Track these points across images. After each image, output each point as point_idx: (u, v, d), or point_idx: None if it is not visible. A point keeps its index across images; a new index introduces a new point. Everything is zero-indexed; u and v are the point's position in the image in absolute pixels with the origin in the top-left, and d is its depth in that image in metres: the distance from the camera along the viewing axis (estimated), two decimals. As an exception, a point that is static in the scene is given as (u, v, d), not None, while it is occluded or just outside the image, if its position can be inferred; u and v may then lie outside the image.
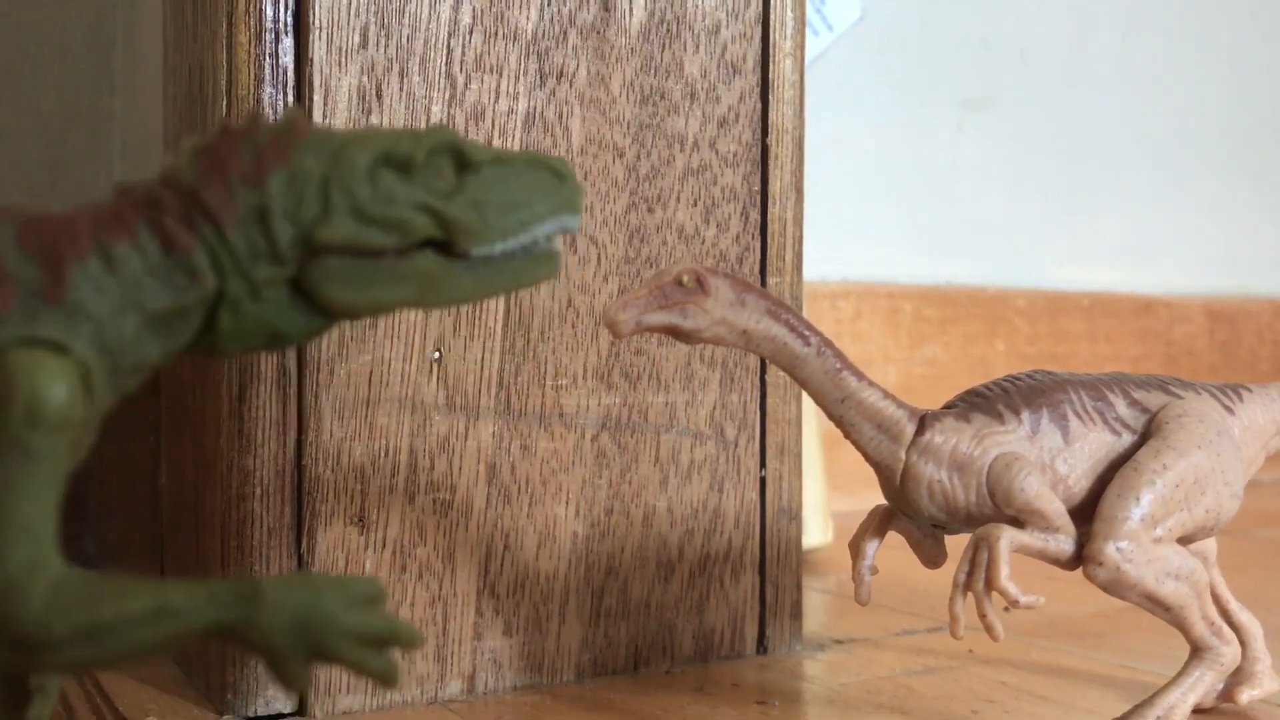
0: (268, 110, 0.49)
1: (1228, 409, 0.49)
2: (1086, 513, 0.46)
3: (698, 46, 0.57)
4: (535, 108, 0.53)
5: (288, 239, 0.31)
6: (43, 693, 0.34)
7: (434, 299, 0.33)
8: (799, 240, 0.60)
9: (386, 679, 0.30)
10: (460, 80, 0.52)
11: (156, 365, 0.32)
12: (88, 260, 0.30)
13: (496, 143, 0.52)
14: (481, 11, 0.52)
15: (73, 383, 0.28)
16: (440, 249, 0.33)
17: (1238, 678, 0.51)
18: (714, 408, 0.57)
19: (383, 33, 0.50)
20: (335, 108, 0.49)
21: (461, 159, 0.33)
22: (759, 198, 0.59)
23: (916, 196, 1.17)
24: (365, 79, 0.50)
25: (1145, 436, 0.47)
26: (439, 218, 0.32)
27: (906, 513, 0.48)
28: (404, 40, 0.51)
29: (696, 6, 0.57)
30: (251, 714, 0.49)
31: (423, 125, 0.51)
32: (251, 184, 0.31)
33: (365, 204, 0.32)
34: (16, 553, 0.27)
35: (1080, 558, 0.45)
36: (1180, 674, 0.47)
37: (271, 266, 0.31)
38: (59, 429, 0.28)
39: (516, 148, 0.53)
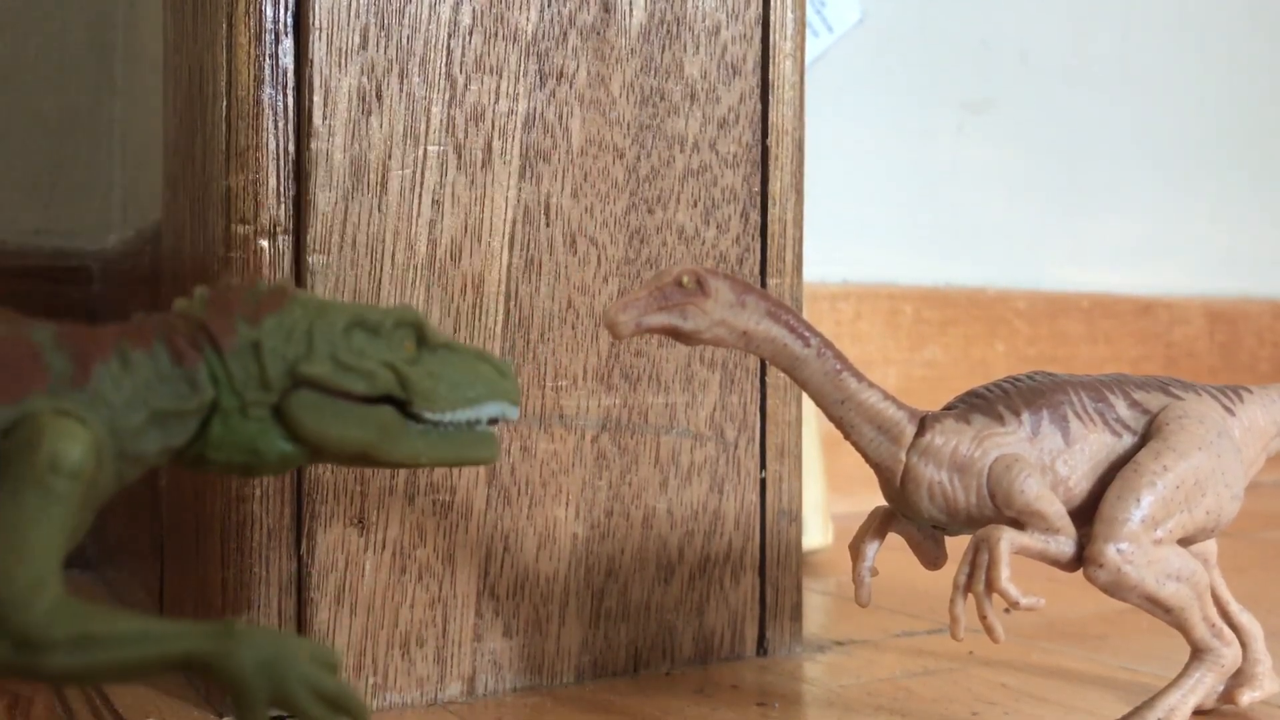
0: (268, 111, 0.49)
1: (1228, 410, 0.49)
2: (1087, 514, 0.46)
3: (698, 47, 0.57)
4: (535, 108, 0.53)
5: (277, 370, 0.37)
6: None
7: (388, 449, 0.38)
8: (799, 241, 0.60)
9: None
10: (460, 81, 0.52)
11: (153, 463, 0.37)
12: (110, 360, 0.36)
13: (496, 144, 0.52)
14: (481, 12, 0.52)
15: (90, 445, 0.34)
16: (398, 408, 0.38)
17: (1238, 679, 0.51)
18: (714, 409, 0.57)
19: (383, 33, 0.50)
20: (335, 108, 0.49)
21: (421, 335, 0.39)
22: (759, 199, 0.58)
23: (916, 198, 1.17)
24: (365, 80, 0.50)
25: (1146, 438, 0.47)
26: (400, 377, 0.38)
27: (906, 514, 0.48)
28: (404, 41, 0.51)
29: (697, 8, 0.57)
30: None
31: (423, 131, 0.51)
32: (250, 322, 0.37)
33: (341, 352, 0.37)
34: (26, 569, 0.32)
35: (1081, 559, 0.45)
36: (1181, 676, 0.47)
37: (260, 390, 0.37)
38: (74, 478, 0.33)
39: (517, 148, 0.53)
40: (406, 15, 0.51)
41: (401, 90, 0.51)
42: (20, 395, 0.34)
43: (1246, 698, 0.50)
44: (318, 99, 0.49)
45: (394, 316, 0.39)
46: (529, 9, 0.53)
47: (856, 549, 0.49)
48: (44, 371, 0.35)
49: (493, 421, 0.40)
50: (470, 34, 0.52)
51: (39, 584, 0.32)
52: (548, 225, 0.54)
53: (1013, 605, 0.44)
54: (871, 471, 0.48)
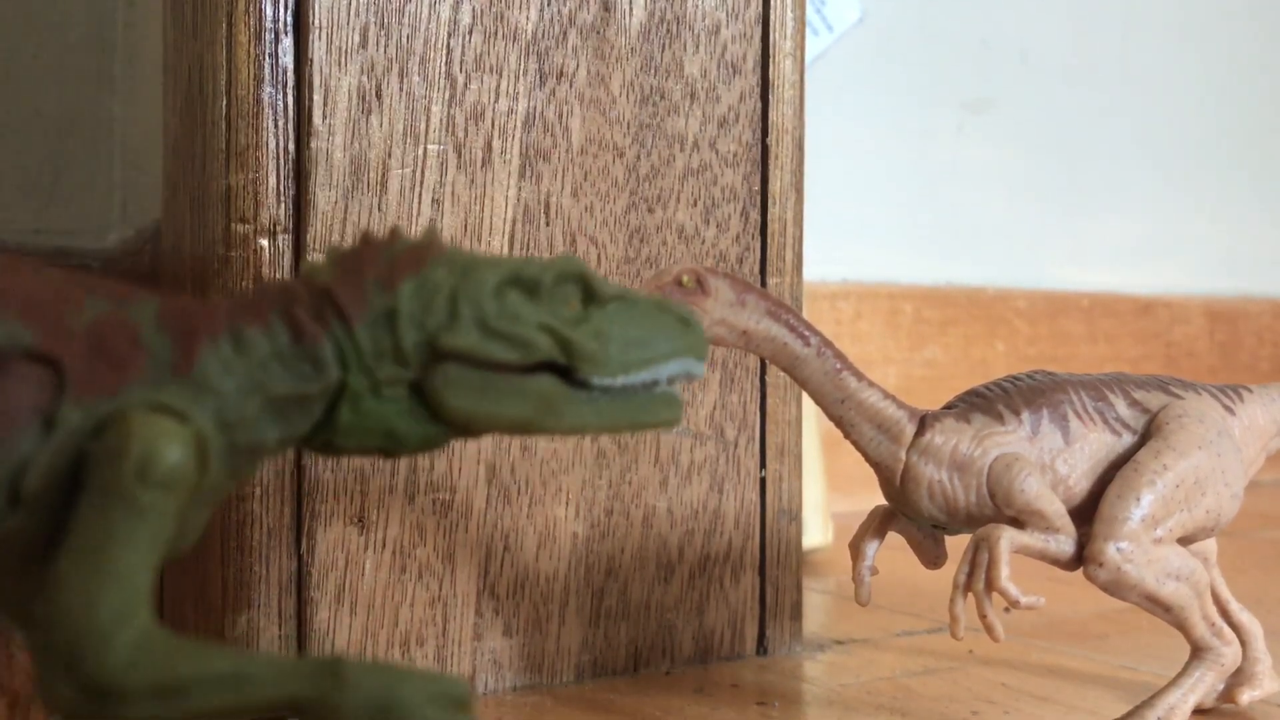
0: (267, 110, 0.49)
1: (1228, 409, 0.49)
2: (1087, 513, 0.46)
3: (698, 46, 0.57)
4: (535, 108, 0.53)
5: (413, 342, 0.32)
6: None
7: (551, 423, 0.33)
8: (799, 241, 0.60)
9: None
10: (460, 80, 0.52)
11: (273, 452, 0.33)
12: (220, 340, 0.31)
13: (496, 143, 0.52)
14: (481, 11, 0.52)
15: (187, 447, 0.29)
16: (561, 375, 0.33)
17: (1238, 678, 0.51)
18: (714, 408, 0.57)
19: (382, 32, 0.50)
20: (335, 107, 0.49)
21: (588, 291, 0.34)
22: (759, 198, 0.58)
23: (917, 197, 1.17)
24: (365, 79, 0.50)
25: (1145, 437, 0.47)
26: (561, 340, 0.33)
27: (906, 513, 0.48)
28: (404, 40, 0.51)
29: (696, 6, 0.57)
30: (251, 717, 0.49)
31: (423, 130, 0.51)
32: (384, 287, 0.32)
33: (490, 318, 0.33)
34: (108, 600, 0.28)
35: (1080, 558, 0.45)
36: (1181, 675, 0.47)
37: (395, 367, 0.32)
38: (167, 488, 0.29)
39: (517, 148, 0.53)
40: (406, 14, 0.51)
41: (401, 89, 0.51)
42: (115, 387, 0.30)
43: (1246, 696, 0.50)
44: (318, 98, 0.49)
45: (555, 271, 0.34)
46: (529, 8, 0.53)
47: (856, 548, 0.49)
48: (142, 357, 0.30)
49: (673, 380, 0.35)
50: (470, 33, 0.52)
51: (123, 618, 0.28)
52: (548, 224, 0.54)
53: (1013, 604, 0.44)
54: (871, 471, 0.48)
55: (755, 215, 0.58)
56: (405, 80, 0.51)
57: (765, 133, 0.59)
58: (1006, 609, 0.58)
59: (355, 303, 0.32)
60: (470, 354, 0.32)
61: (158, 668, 0.28)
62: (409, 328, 0.32)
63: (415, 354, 0.32)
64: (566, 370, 0.33)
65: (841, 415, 0.47)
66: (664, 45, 0.56)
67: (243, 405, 0.31)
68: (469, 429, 0.33)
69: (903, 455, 0.46)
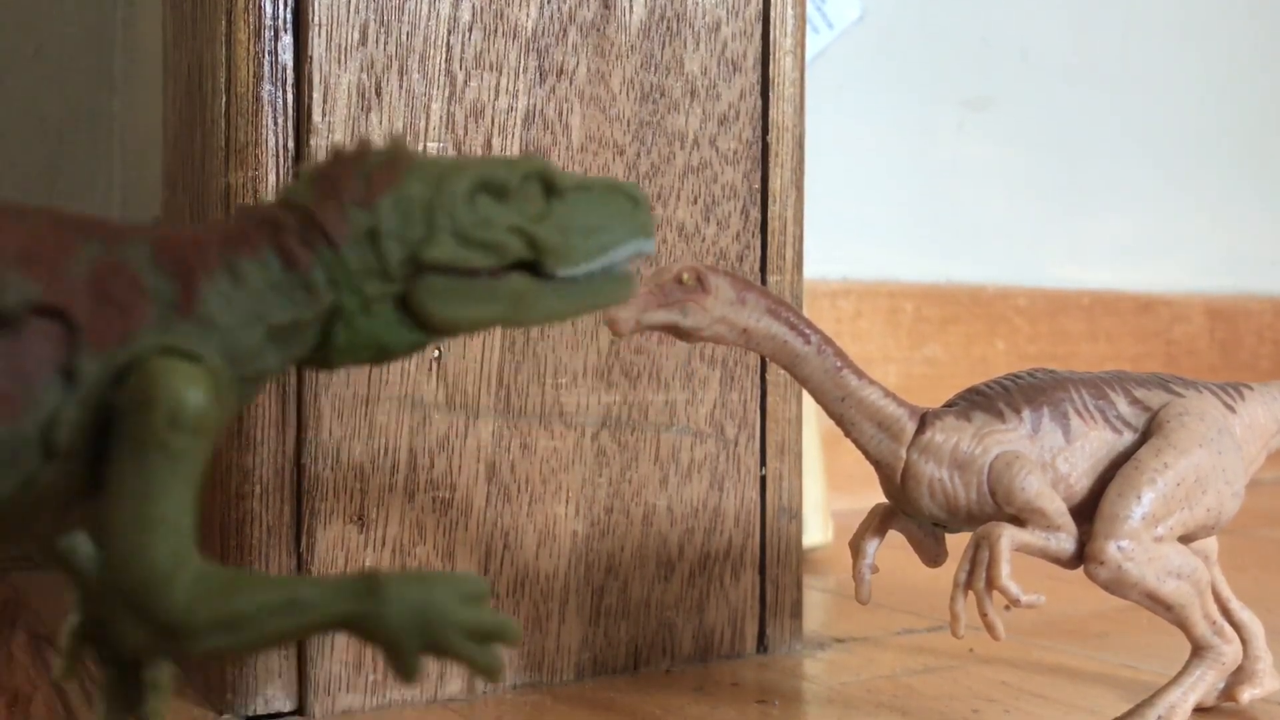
0: (267, 108, 0.49)
1: (1229, 407, 0.49)
2: (1087, 511, 0.46)
3: (698, 44, 0.57)
4: (535, 105, 0.53)
5: (396, 258, 0.33)
6: (156, 689, 0.36)
7: (524, 317, 0.35)
8: (799, 238, 0.60)
9: (493, 672, 0.32)
10: (460, 77, 0.52)
11: (275, 375, 0.34)
12: (217, 275, 0.32)
13: (495, 140, 0.52)
14: (481, 9, 0.52)
15: (209, 388, 0.30)
16: (529, 270, 0.35)
17: (1239, 677, 0.51)
18: (714, 406, 0.57)
19: (382, 30, 0.50)
20: (334, 105, 0.49)
21: (549, 185, 0.35)
22: (759, 196, 0.58)
23: (917, 195, 1.17)
24: (365, 76, 0.50)
25: (1146, 435, 0.47)
26: (530, 240, 0.34)
27: (907, 511, 0.48)
28: (403, 37, 0.51)
29: (697, 4, 0.57)
30: (251, 713, 0.49)
31: (422, 127, 0.51)
32: (363, 206, 0.33)
33: (465, 227, 0.34)
34: (163, 546, 0.30)
35: (1081, 556, 0.45)
36: (1181, 673, 0.47)
37: (381, 283, 0.33)
38: (197, 431, 0.30)
39: (516, 145, 0.53)
40: (406, 11, 0.51)
41: (401, 87, 0.51)
42: (126, 334, 0.30)
43: (1247, 695, 0.50)
44: (317, 95, 0.49)
45: (520, 170, 0.35)
46: (529, 5, 0.53)
47: (857, 546, 0.49)
48: (147, 301, 0.31)
49: (628, 260, 0.37)
50: (470, 30, 0.52)
51: (178, 561, 0.30)
52: (548, 222, 0.54)
53: (1013, 603, 0.44)
54: (872, 469, 0.48)
55: (755, 213, 0.58)
56: (405, 77, 0.51)
57: (765, 130, 0.58)
58: (1007, 607, 0.58)
59: (338, 224, 0.33)
60: (450, 264, 0.34)
61: (218, 602, 0.30)
62: (391, 244, 0.33)
63: (399, 269, 0.33)
64: (534, 265, 0.35)
65: (842, 413, 0.47)
66: (664, 42, 0.56)
67: (245, 337, 0.32)
68: (451, 332, 0.35)
69: (903, 453, 0.46)
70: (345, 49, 0.50)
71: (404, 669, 0.31)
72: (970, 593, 0.45)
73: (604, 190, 0.36)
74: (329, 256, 0.33)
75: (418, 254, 0.33)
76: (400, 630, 0.31)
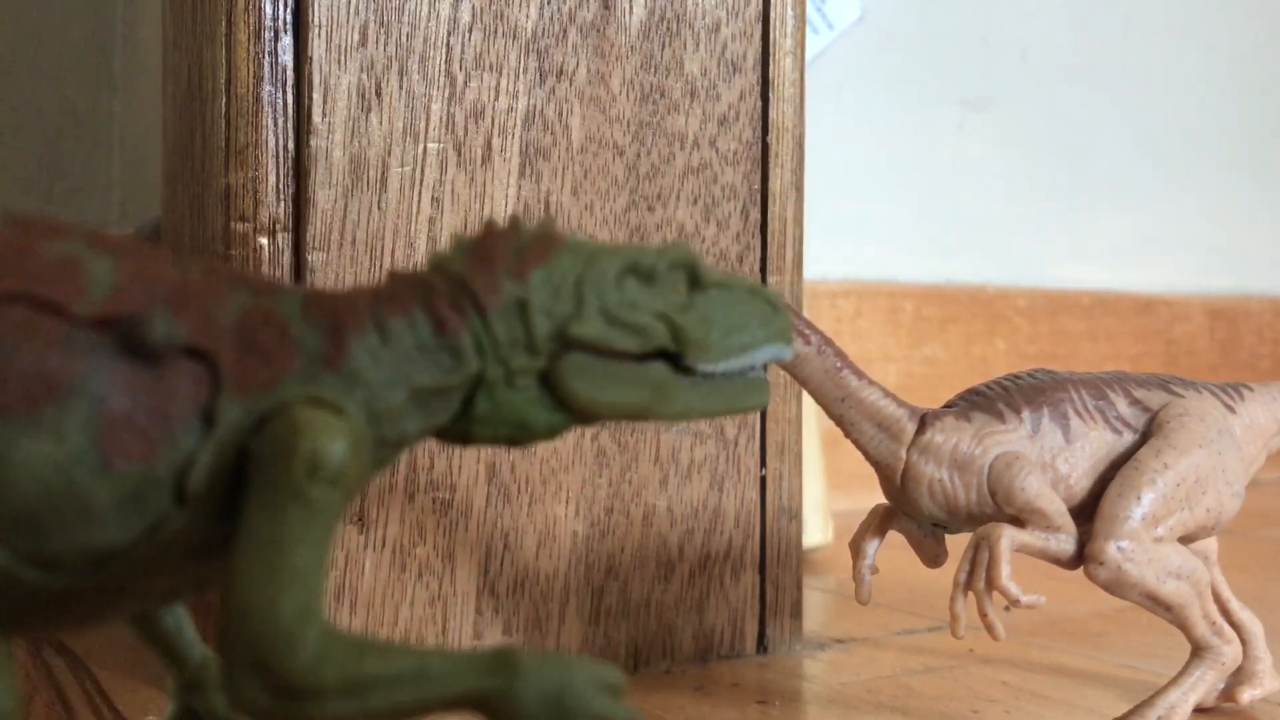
0: (267, 109, 0.49)
1: (1229, 408, 0.49)
2: (1087, 512, 0.46)
3: (698, 44, 0.57)
4: (535, 106, 0.53)
5: (544, 331, 0.33)
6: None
7: (663, 409, 0.35)
8: (799, 239, 0.60)
9: None
10: (460, 78, 0.52)
11: (412, 443, 0.33)
12: (366, 332, 0.32)
13: (495, 141, 0.52)
14: (481, 9, 0.52)
15: (351, 441, 0.30)
16: (669, 361, 0.34)
17: (1239, 677, 0.51)
18: (714, 407, 0.57)
19: (382, 30, 0.50)
20: (334, 106, 0.49)
21: (694, 277, 0.35)
22: (759, 196, 0.58)
23: (917, 195, 1.17)
24: (364, 77, 0.50)
25: (1146, 435, 0.47)
26: (674, 329, 0.34)
27: (907, 512, 0.48)
28: (403, 38, 0.51)
29: (697, 4, 0.57)
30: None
31: (422, 128, 0.51)
32: (515, 278, 0.33)
33: (613, 307, 0.33)
34: (291, 599, 0.28)
35: (1081, 557, 0.45)
36: (1181, 673, 0.47)
37: (527, 356, 0.33)
38: (336, 483, 0.29)
39: (517, 146, 0.53)
40: (406, 12, 0.51)
41: (401, 87, 0.51)
42: (270, 383, 0.30)
43: (1247, 695, 0.50)
44: (317, 96, 0.49)
45: (668, 258, 0.34)
46: (529, 6, 0.53)
47: (857, 547, 0.49)
48: (294, 351, 0.31)
49: (765, 365, 0.36)
50: (470, 31, 0.52)
51: (305, 617, 0.28)
52: (548, 223, 0.54)
53: (1013, 603, 0.44)
54: (872, 469, 0.48)
55: (755, 213, 0.58)
56: (405, 78, 0.51)
57: (765, 131, 0.59)
58: (1007, 608, 0.58)
59: (490, 292, 0.32)
60: (596, 342, 0.33)
61: (343, 665, 0.29)
62: (540, 317, 0.33)
63: (545, 343, 0.33)
64: (675, 357, 0.34)
65: (842, 414, 0.47)
66: (664, 43, 0.56)
67: (390, 397, 0.32)
68: (591, 416, 0.34)
69: (903, 454, 0.46)
70: (345, 50, 0.50)
71: None
72: (970, 593, 0.45)
73: (746, 291, 0.36)
74: (478, 324, 0.32)
75: (565, 329, 0.33)
76: (535, 713, 0.29)
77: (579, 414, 0.34)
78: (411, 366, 0.32)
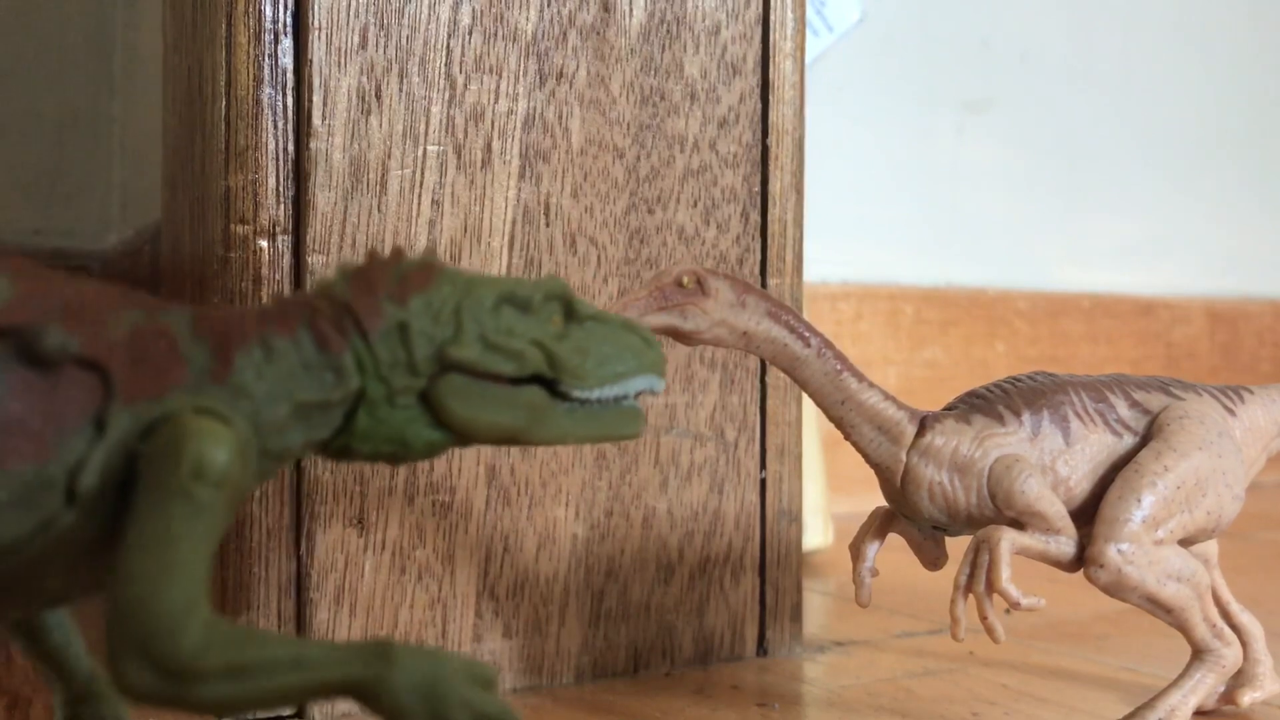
0: (267, 111, 0.49)
1: (1229, 410, 0.49)
2: (1087, 514, 0.46)
3: (698, 47, 0.57)
4: (535, 108, 0.53)
5: (424, 353, 0.35)
6: None
7: (537, 432, 0.36)
8: (799, 241, 0.60)
9: None
10: (460, 81, 0.52)
11: (295, 456, 0.35)
12: (251, 348, 0.33)
13: (495, 144, 0.52)
14: (481, 12, 0.52)
15: (235, 448, 0.31)
16: (545, 387, 0.36)
17: (1239, 680, 0.51)
18: (714, 409, 0.57)
19: (382, 33, 0.50)
20: (334, 108, 0.49)
21: (569, 309, 0.37)
22: (759, 199, 0.58)
23: (917, 198, 1.17)
24: (365, 79, 0.50)
25: (1146, 438, 0.47)
26: (550, 356, 0.36)
27: (907, 515, 0.48)
28: (403, 41, 0.51)
29: (696, 7, 0.57)
30: (250, 715, 0.49)
31: (422, 131, 0.51)
32: (397, 302, 0.35)
33: (490, 332, 0.35)
34: (177, 590, 0.30)
35: (1081, 560, 0.45)
36: (1181, 676, 0.47)
37: (408, 376, 0.34)
38: (220, 485, 0.31)
39: (516, 148, 0.53)
40: (406, 15, 0.51)
41: (401, 90, 0.51)
42: (159, 392, 0.32)
43: (1247, 698, 0.50)
44: (317, 99, 0.49)
45: (543, 290, 0.36)
46: (528, 9, 0.53)
47: (857, 549, 0.49)
48: (182, 364, 0.32)
49: (639, 395, 0.38)
50: (470, 34, 0.52)
51: (190, 607, 0.30)
52: (547, 225, 0.54)
53: (1013, 606, 0.44)
54: (872, 472, 0.47)
55: (755, 216, 0.58)
56: (405, 81, 0.51)
57: (765, 133, 0.59)
58: (1007, 610, 0.58)
59: (372, 315, 0.34)
60: (473, 365, 0.35)
61: (226, 651, 0.30)
62: (420, 340, 0.34)
63: (425, 365, 0.35)
64: (550, 383, 0.36)
65: (842, 416, 0.47)
66: (664, 46, 0.56)
67: (274, 410, 0.33)
68: (468, 436, 0.36)
69: (903, 456, 0.46)
70: (345, 52, 0.50)
71: None
72: (970, 596, 0.45)
73: (620, 325, 0.38)
74: (360, 344, 0.34)
75: (445, 351, 0.35)
76: (407, 700, 0.31)
77: (457, 433, 0.35)
78: (295, 382, 0.33)
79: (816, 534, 0.83)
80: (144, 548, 0.30)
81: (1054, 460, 0.46)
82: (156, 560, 0.30)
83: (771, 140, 0.59)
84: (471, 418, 0.35)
